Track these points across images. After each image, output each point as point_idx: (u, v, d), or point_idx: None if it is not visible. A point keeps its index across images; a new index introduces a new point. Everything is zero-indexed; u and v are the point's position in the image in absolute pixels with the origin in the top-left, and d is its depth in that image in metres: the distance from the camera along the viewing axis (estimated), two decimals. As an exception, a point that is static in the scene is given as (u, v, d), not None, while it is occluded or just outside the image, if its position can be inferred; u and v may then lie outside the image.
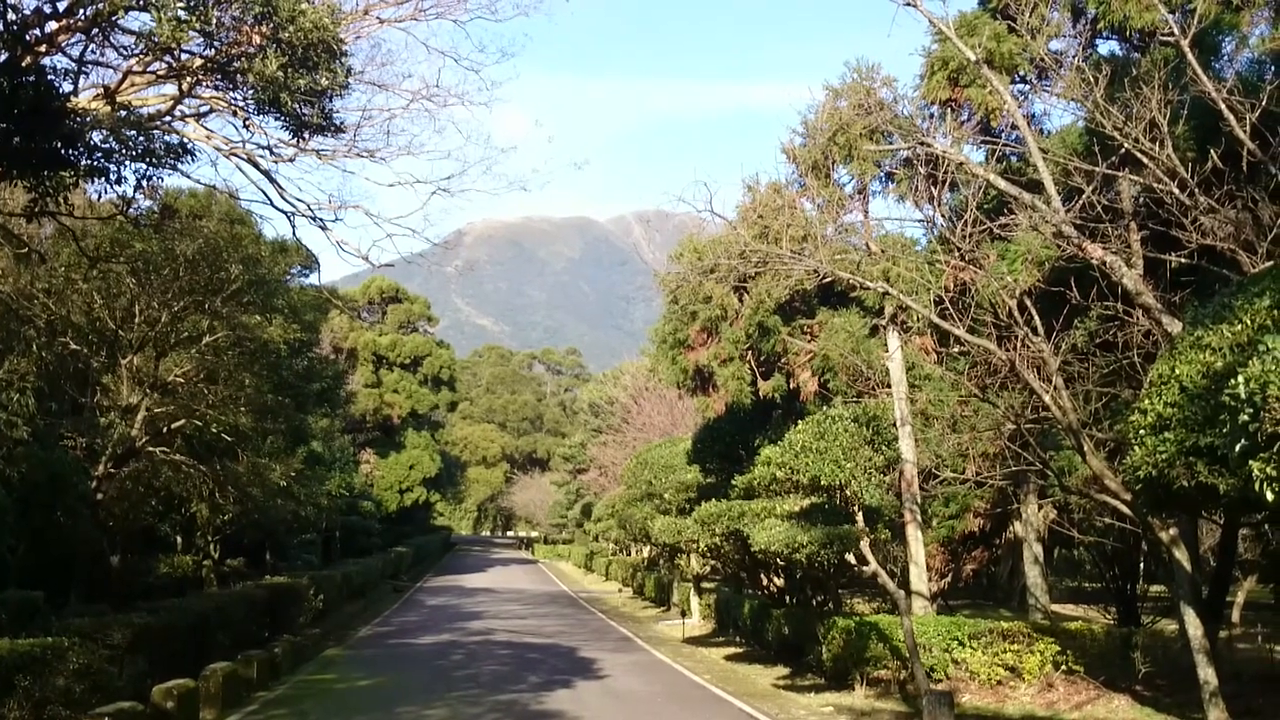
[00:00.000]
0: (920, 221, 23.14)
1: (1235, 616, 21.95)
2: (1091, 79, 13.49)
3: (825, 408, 18.45)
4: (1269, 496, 4.65)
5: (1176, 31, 12.75)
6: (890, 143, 20.21)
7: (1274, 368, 4.68)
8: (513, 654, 22.16)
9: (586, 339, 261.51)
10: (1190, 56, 12.38)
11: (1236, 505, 7.10)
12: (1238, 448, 4.91)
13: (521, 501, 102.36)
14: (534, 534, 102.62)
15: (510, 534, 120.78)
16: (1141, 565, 21.91)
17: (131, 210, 14.95)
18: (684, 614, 30.68)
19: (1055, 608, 23.59)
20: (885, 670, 17.11)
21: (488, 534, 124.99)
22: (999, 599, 29.35)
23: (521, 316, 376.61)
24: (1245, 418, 4.81)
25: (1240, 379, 4.88)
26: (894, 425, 20.33)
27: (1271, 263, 10.07)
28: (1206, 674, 12.35)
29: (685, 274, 26.24)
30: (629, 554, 53.20)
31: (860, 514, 15.87)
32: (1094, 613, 23.52)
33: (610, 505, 46.30)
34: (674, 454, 32.41)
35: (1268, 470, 4.74)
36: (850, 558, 16.43)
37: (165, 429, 20.15)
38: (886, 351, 22.09)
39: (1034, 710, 14.90)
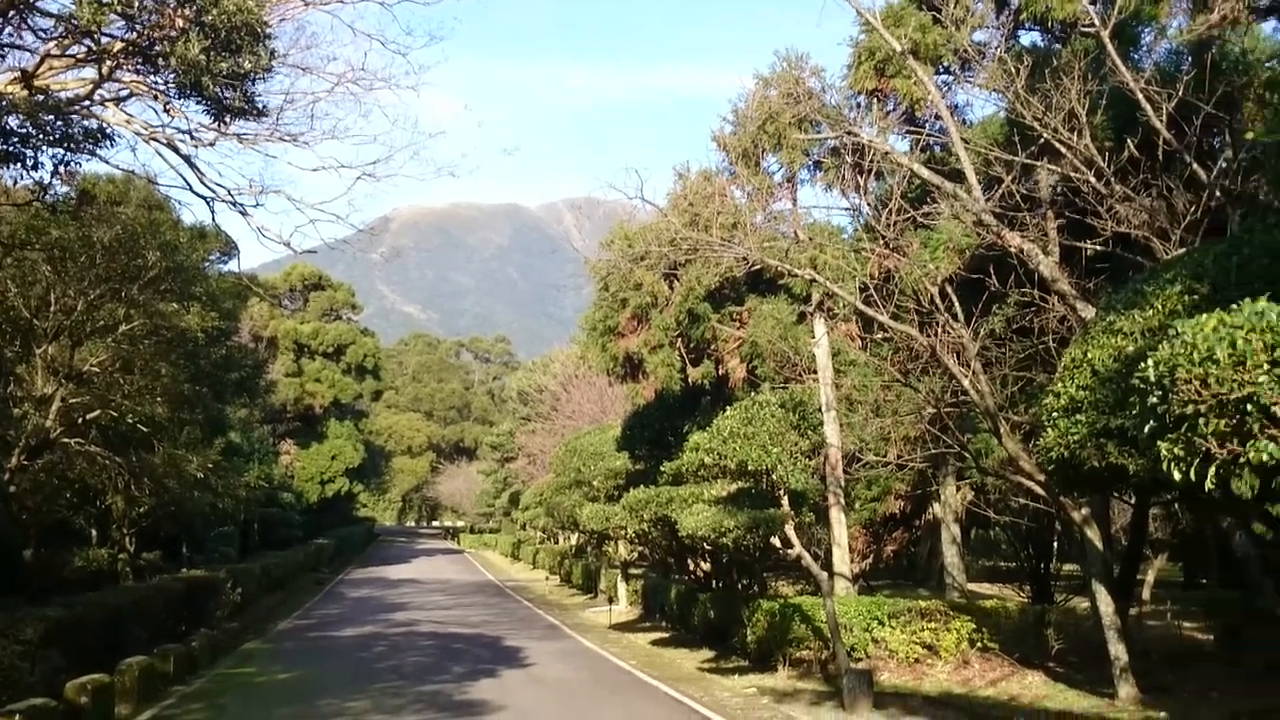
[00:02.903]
0: (847, 210, 23.45)
1: (1146, 594, 22.61)
2: (1013, 70, 13.79)
3: (753, 394, 18.59)
4: (1176, 476, 4.78)
5: (1097, 22, 13.06)
6: (818, 132, 20.41)
7: (1183, 351, 4.80)
8: (437, 645, 21.98)
9: (515, 326, 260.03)
10: (1110, 47, 12.69)
11: (1146, 485, 7.33)
12: (1146, 429, 5.04)
13: (448, 491, 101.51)
14: (460, 524, 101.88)
15: (436, 524, 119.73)
16: (1056, 545, 22.47)
17: (48, 196, 14.48)
18: (611, 600, 30.74)
19: (972, 587, 24.10)
20: (808, 651, 17.34)
21: (413, 525, 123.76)
22: (918, 579, 29.92)
23: (449, 304, 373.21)
24: (1154, 400, 4.93)
25: (1150, 362, 5.01)
26: (820, 410, 20.54)
27: (1184, 250, 10.37)
28: (1117, 650, 12.71)
29: (616, 261, 26.23)
30: (557, 542, 53.11)
31: (786, 498, 16.03)
32: (1009, 591, 24.08)
33: (538, 493, 46.17)
34: (603, 441, 32.41)
35: (1175, 451, 4.87)
36: (776, 541, 16.60)
37: (80, 420, 19.56)
38: (813, 338, 22.35)
39: (950, 687, 15.21)
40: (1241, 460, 4.49)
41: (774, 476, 15.60)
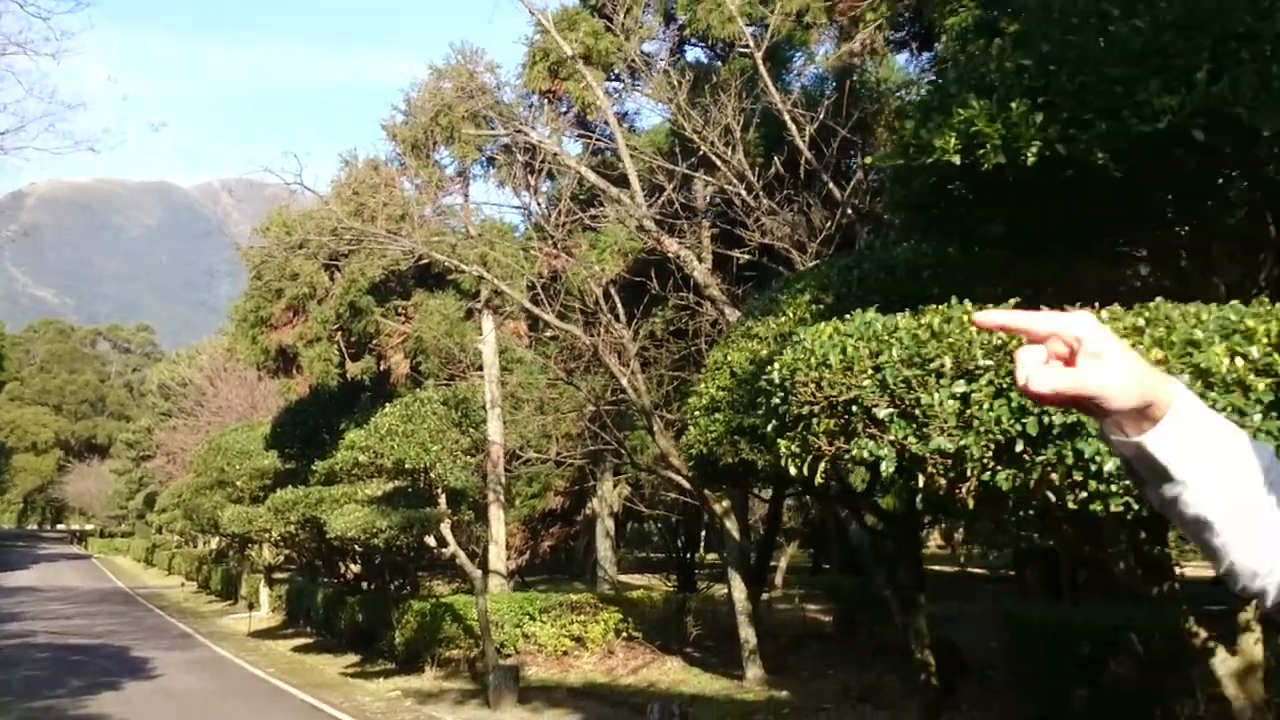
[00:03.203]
0: (518, 208, 23.58)
1: (779, 580, 24.47)
2: (676, 83, 14.42)
3: (416, 390, 18.29)
4: (792, 471, 5.10)
5: (751, 44, 13.93)
6: (492, 128, 20.39)
7: (802, 357, 5.11)
8: (54, 657, 19.85)
9: (164, 315, 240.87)
10: (762, 69, 13.57)
11: (771, 479, 7.93)
12: (770, 427, 5.33)
13: (76, 492, 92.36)
14: (89, 527, 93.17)
15: (61, 527, 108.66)
16: (703, 536, 23.82)
17: None
18: (252, 606, 29.12)
19: (624, 578, 24.98)
20: (458, 650, 17.30)
21: (35, 528, 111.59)
22: (575, 573, 30.69)
23: (89, 288, 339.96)
24: (777, 401, 5.23)
25: (775, 366, 5.30)
26: (484, 408, 20.56)
27: (817, 262, 11.27)
28: (747, 634, 13.63)
29: (271, 249, 24.89)
30: (196, 546, 49.68)
31: (444, 496, 15.88)
32: (657, 581, 25.21)
33: (176, 495, 42.83)
34: (251, 439, 30.56)
35: (792, 448, 5.18)
36: (431, 540, 16.41)
37: None
38: (481, 335, 22.31)
39: (594, 677, 15.68)
40: (846, 457, 4.85)
41: (433, 475, 15.39)
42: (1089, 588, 15.62)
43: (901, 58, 17.87)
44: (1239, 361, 4.05)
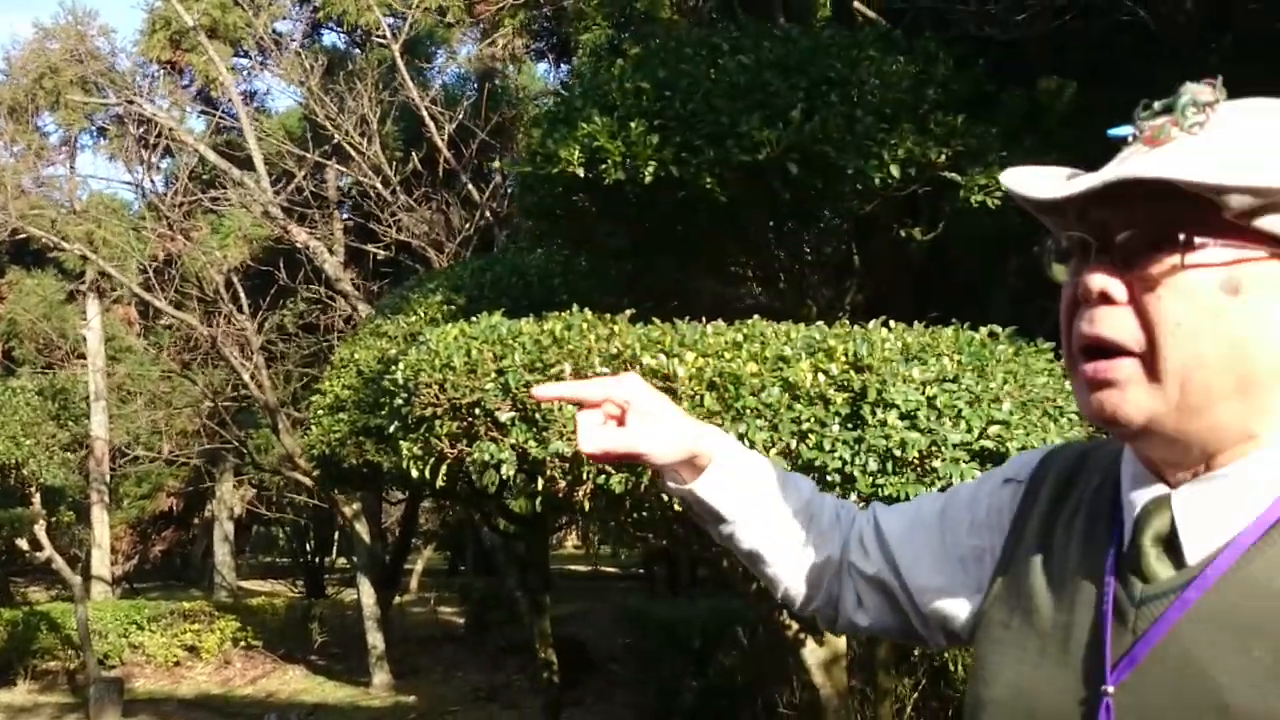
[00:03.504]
0: (131, 185, 21.75)
1: (414, 584, 24.15)
2: (309, 66, 13.86)
3: (8, 379, 16.56)
4: (414, 473, 5.02)
5: (389, 35, 13.66)
6: (105, 96, 18.66)
7: (427, 357, 5.05)
8: None
9: None
10: (400, 61, 13.34)
11: (396, 481, 7.83)
12: (393, 429, 5.23)
13: None
14: None
15: None
16: (335, 539, 23.06)
17: None
18: None
19: (247, 584, 23.78)
20: (56, 662, 15.82)
21: None
22: (192, 579, 28.74)
23: None
24: (400, 402, 5.14)
25: (400, 366, 5.21)
26: (87, 400, 18.85)
27: (452, 262, 11.23)
28: (375, 639, 13.38)
29: None
30: None
31: (38, 495, 14.45)
32: (282, 587, 24.14)
33: None
34: None
35: (415, 450, 5.10)
36: (24, 543, 14.88)
37: None
38: (85, 320, 20.40)
39: (209, 688, 14.87)
40: (468, 460, 4.84)
41: (25, 472, 14.04)
42: (708, 583, 16.61)
43: (542, 67, 18.31)
44: (821, 377, 4.38)
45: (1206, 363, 0.88)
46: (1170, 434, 0.92)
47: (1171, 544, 0.94)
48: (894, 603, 1.23)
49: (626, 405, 1.19)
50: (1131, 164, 0.90)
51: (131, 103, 14.44)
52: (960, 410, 4.12)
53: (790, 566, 1.28)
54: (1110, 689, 0.92)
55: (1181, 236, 0.87)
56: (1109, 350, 0.91)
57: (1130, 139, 0.95)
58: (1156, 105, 0.93)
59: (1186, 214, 0.87)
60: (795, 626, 6.39)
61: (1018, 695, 1.00)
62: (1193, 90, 0.92)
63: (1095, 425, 0.97)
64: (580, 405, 1.20)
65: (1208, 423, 0.91)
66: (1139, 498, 0.97)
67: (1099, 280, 0.91)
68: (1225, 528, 0.91)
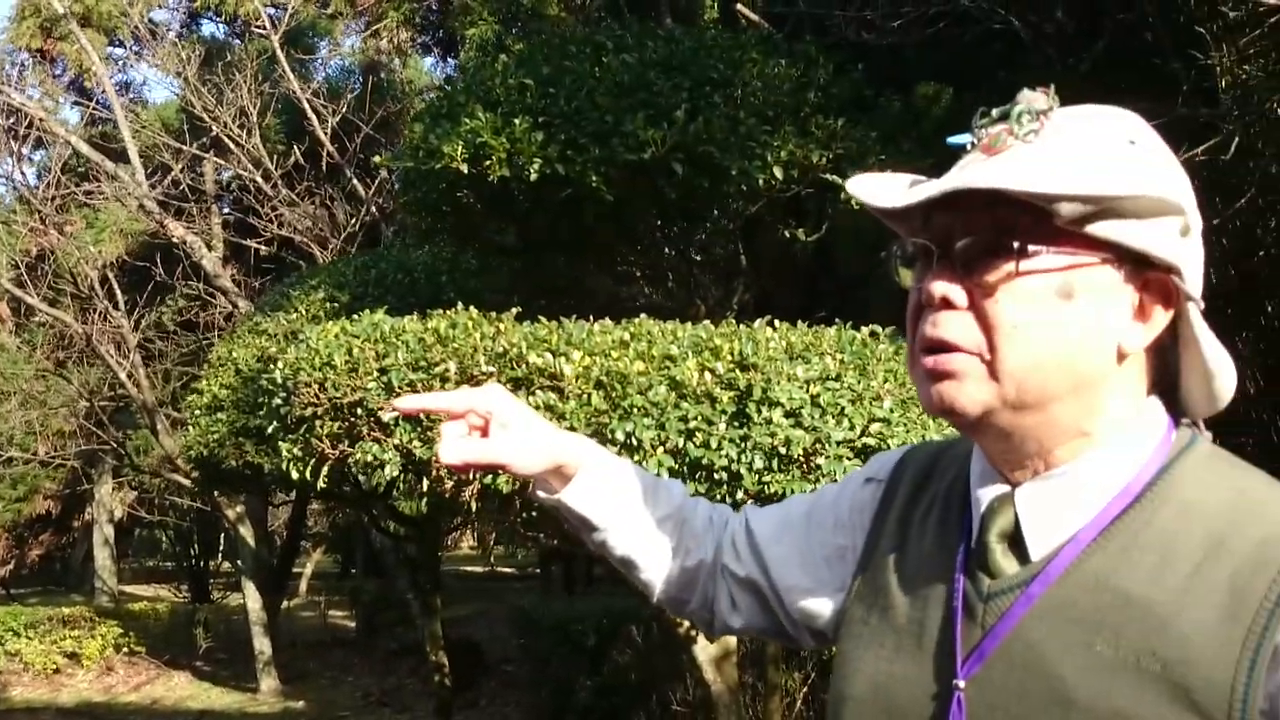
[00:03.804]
0: (1, 177, 20.79)
1: (304, 587, 23.61)
2: (186, 56, 13.44)
3: None
4: (294, 475, 4.90)
5: (269, 25, 13.31)
6: (-31, 85, 17.79)
7: (307, 355, 4.93)
8: None
9: None
10: (280, 53, 13.01)
11: (278, 482, 7.64)
12: (271, 429, 5.10)
13: None
14: None
15: None
16: (221, 543, 22.40)
17: None
18: None
19: (131, 589, 23.06)
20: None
21: None
22: (72, 584, 27.71)
23: None
24: (279, 401, 5.00)
25: (279, 364, 5.07)
26: (-48, 401, 17.85)
27: (337, 259, 11.00)
28: (262, 644, 13.07)
29: None
30: None
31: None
32: (166, 592, 23.41)
33: None
34: None
35: (294, 451, 4.99)
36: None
37: None
38: (-50, 317, 19.33)
39: (91, 695, 14.35)
40: (350, 461, 4.74)
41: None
42: (604, 582, 16.61)
43: (428, 61, 18.07)
44: (708, 375, 4.41)
45: (1042, 365, 0.91)
46: (1005, 428, 0.95)
47: (1016, 540, 0.97)
48: (764, 603, 1.24)
49: (489, 416, 1.19)
50: (967, 173, 0.93)
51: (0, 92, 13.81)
52: (843, 408, 4.19)
53: (664, 571, 1.28)
54: (961, 683, 0.94)
55: (1016, 244, 0.90)
56: (950, 349, 0.94)
57: (969, 146, 0.97)
58: (994, 113, 0.96)
59: (1022, 221, 0.90)
60: (686, 624, 6.43)
61: (876, 690, 1.02)
62: (1028, 98, 0.95)
63: (933, 416, 1.00)
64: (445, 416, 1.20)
65: (1042, 419, 0.94)
66: (985, 495, 1.00)
67: (940, 286, 0.93)
68: (1066, 525, 0.95)
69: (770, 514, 1.28)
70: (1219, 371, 0.95)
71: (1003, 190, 0.88)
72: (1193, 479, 0.94)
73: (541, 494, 1.25)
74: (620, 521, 1.25)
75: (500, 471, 1.24)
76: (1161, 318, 0.94)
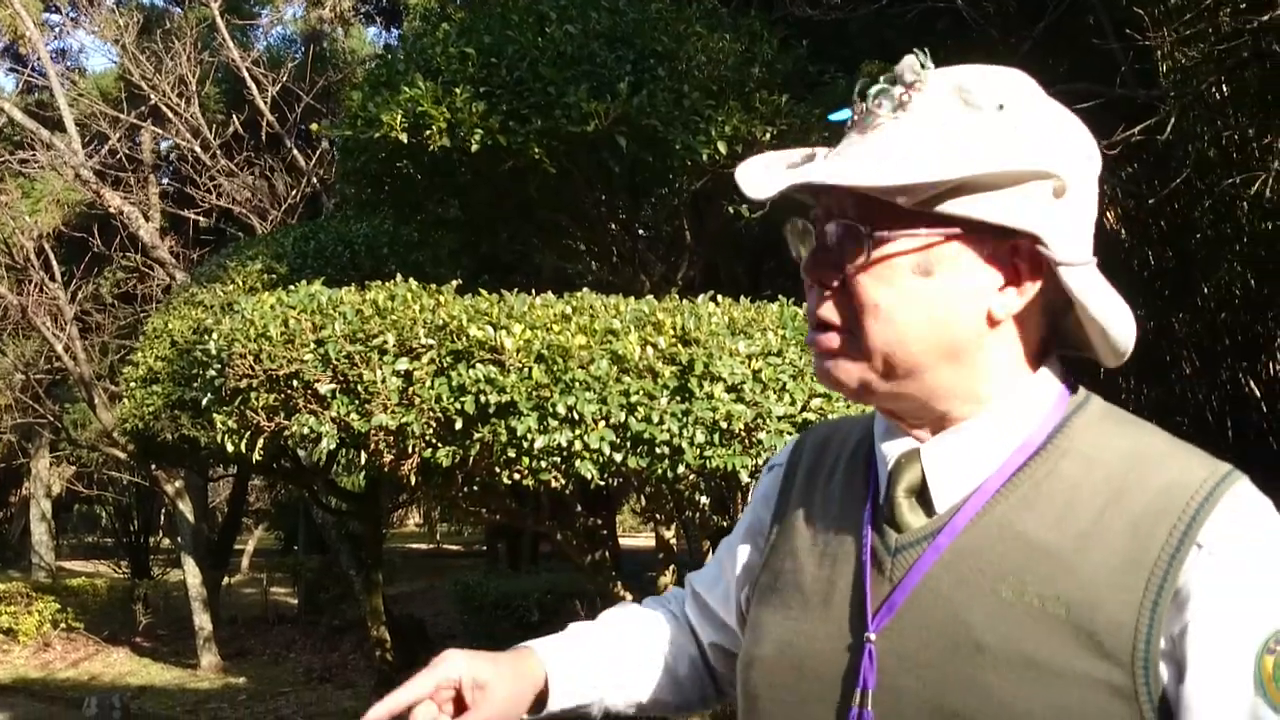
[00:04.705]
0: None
1: (245, 564, 23.36)
2: (124, 24, 13.10)
3: None
4: (230, 448, 4.83)
5: (209, -7, 13.04)
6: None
7: (241, 326, 4.85)
8: None
9: None
10: (220, 21, 12.73)
11: (214, 456, 7.53)
12: (205, 401, 5.02)
13: None
14: None
15: None
16: (161, 518, 22.11)
17: None
18: None
19: (70, 565, 22.71)
20: None
21: None
22: (8, 560, 27.24)
23: None
24: (214, 373, 4.92)
25: (213, 336, 4.98)
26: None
27: (275, 230, 10.83)
28: (202, 620, 12.93)
29: None
30: None
31: None
32: (106, 568, 23.08)
33: None
34: None
35: (229, 423, 4.91)
36: None
37: None
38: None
39: (27, 672, 14.10)
40: (287, 433, 4.67)
41: None
42: (550, 558, 16.64)
43: (372, 31, 17.79)
44: (650, 350, 4.40)
45: (906, 340, 0.94)
46: (888, 396, 0.98)
47: (923, 494, 0.99)
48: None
49: (458, 685, 1.13)
50: (815, 165, 0.96)
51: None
52: (784, 383, 4.21)
53: (677, 690, 1.30)
54: (872, 636, 0.96)
55: (864, 231, 0.93)
56: (828, 327, 0.98)
57: (850, 123, 0.98)
58: (871, 91, 0.96)
59: (878, 205, 0.92)
60: (630, 598, 6.43)
61: (783, 649, 1.04)
62: (900, 68, 0.96)
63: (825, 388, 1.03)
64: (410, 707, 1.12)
65: (923, 386, 0.96)
66: (891, 451, 1.02)
67: (812, 267, 0.98)
68: (971, 477, 0.97)
69: (707, 568, 1.31)
70: (1109, 324, 0.96)
71: (840, 185, 0.92)
72: (1093, 432, 0.97)
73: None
74: (605, 689, 1.25)
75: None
76: (1032, 284, 0.95)
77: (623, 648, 1.28)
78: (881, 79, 0.96)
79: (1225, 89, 5.72)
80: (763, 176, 0.98)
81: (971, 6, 4.80)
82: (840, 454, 1.12)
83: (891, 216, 0.92)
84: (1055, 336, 1.01)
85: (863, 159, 0.93)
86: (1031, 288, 0.94)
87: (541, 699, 1.21)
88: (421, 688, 1.12)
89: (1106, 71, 5.02)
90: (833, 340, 0.97)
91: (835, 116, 1.00)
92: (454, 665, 1.14)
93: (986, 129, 0.92)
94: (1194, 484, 0.90)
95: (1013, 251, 0.93)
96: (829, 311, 0.97)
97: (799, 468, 1.16)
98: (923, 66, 0.95)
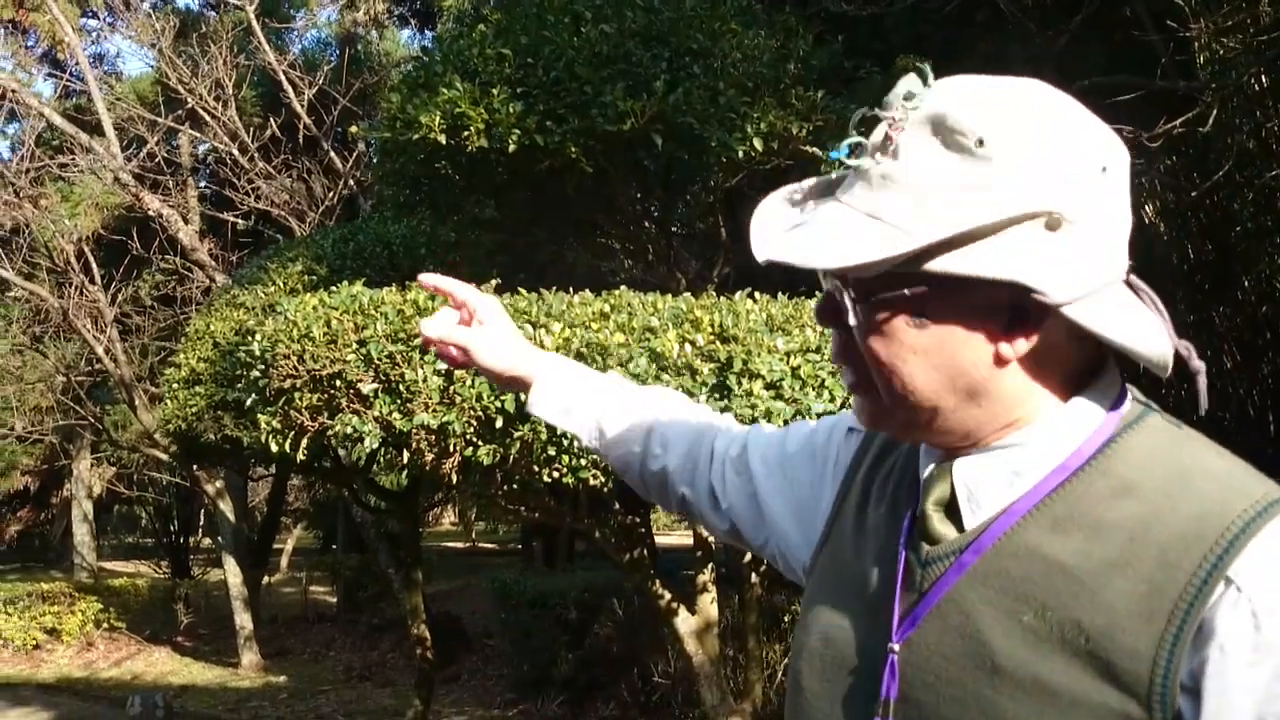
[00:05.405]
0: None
1: (285, 563, 23.57)
2: (160, 28, 13.25)
3: None
4: (274, 447, 4.88)
5: (244, -3, 13.18)
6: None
7: (285, 328, 4.90)
8: None
9: None
10: (255, 23, 12.85)
11: (256, 456, 7.62)
12: (249, 402, 5.07)
13: None
14: None
15: None
16: (201, 518, 22.34)
17: None
18: None
19: (109, 565, 22.95)
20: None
21: None
22: (51, 560, 27.60)
23: None
24: (257, 374, 4.97)
25: (256, 337, 5.05)
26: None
27: (313, 232, 10.93)
28: (243, 619, 13.04)
29: None
30: None
31: None
32: (146, 568, 23.34)
33: None
34: None
35: (273, 423, 4.97)
36: None
37: None
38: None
39: (71, 671, 14.29)
40: (330, 433, 4.72)
41: None
42: (586, 556, 16.63)
43: (406, 33, 17.90)
44: (688, 347, 4.40)
45: (916, 389, 0.94)
46: (926, 433, 0.99)
47: (952, 509, 0.99)
48: (749, 521, 1.29)
49: (475, 312, 1.40)
50: (798, 234, 0.95)
51: (-31, 63, 13.60)
52: (823, 380, 4.19)
53: (635, 472, 1.40)
54: (895, 646, 0.97)
55: (851, 296, 0.93)
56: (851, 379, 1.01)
57: (843, 162, 0.95)
58: (864, 141, 0.93)
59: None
60: (668, 596, 6.45)
61: (826, 644, 1.05)
62: (892, 95, 0.92)
63: None
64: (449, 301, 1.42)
65: (950, 423, 0.97)
66: (925, 461, 1.03)
67: (826, 321, 0.98)
68: (1001, 497, 0.96)
69: (769, 441, 1.31)
70: (1135, 347, 0.92)
71: (826, 268, 0.93)
72: (1138, 454, 0.94)
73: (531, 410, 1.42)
74: (584, 424, 1.39)
75: (466, 359, 1.39)
76: (1037, 325, 0.91)
77: (621, 408, 1.40)
78: (854, 142, 0.94)
79: (1265, 80, 5.64)
80: (760, 233, 0.98)
81: (1009, 0, 4.78)
82: (898, 456, 1.11)
83: (881, 274, 0.91)
84: (1101, 353, 0.98)
85: (839, 231, 0.91)
86: (1037, 328, 0.91)
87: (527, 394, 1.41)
88: (463, 294, 1.41)
89: (1146, 63, 4.97)
90: (860, 391, 1.00)
91: (835, 154, 0.96)
92: (486, 302, 1.41)
93: (963, 179, 0.88)
94: (1231, 513, 0.86)
95: (1008, 296, 0.89)
96: (845, 355, 1.00)
97: (870, 449, 1.16)
98: (925, 84, 0.91)
